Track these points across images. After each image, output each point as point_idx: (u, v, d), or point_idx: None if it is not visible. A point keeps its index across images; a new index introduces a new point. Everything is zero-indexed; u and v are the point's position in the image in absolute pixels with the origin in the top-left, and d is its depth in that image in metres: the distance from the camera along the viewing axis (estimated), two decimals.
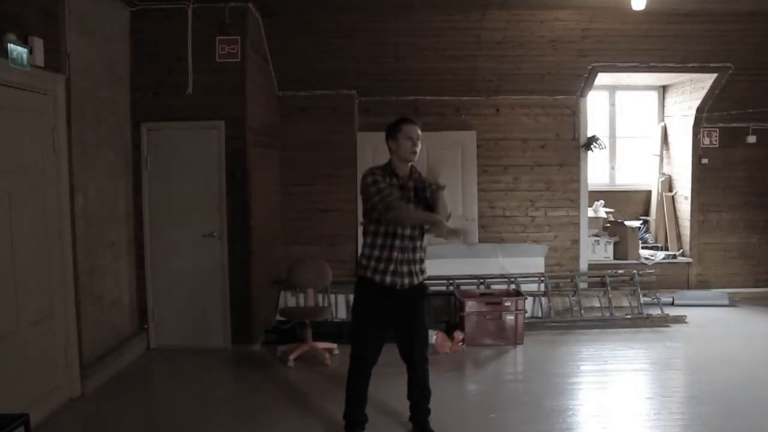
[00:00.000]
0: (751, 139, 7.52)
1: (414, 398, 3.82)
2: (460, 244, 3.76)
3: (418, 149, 3.64)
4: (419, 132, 3.65)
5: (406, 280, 3.63)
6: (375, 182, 3.55)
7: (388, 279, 3.59)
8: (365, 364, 3.70)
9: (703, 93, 7.29)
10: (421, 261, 3.71)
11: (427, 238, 3.76)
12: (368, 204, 3.60)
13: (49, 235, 4.26)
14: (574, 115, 7.33)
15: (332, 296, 6.42)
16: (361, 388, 3.74)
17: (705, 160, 7.61)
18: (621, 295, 6.89)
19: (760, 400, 4.36)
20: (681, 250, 7.84)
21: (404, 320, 3.70)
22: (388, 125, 3.72)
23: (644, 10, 5.58)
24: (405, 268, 3.62)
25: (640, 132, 8.44)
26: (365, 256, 3.66)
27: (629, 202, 8.39)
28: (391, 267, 3.59)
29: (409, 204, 3.62)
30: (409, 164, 3.69)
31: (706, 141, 7.60)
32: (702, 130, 7.57)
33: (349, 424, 3.77)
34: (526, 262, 6.82)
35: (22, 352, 3.90)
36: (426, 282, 3.80)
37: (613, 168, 8.38)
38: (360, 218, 3.90)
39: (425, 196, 3.69)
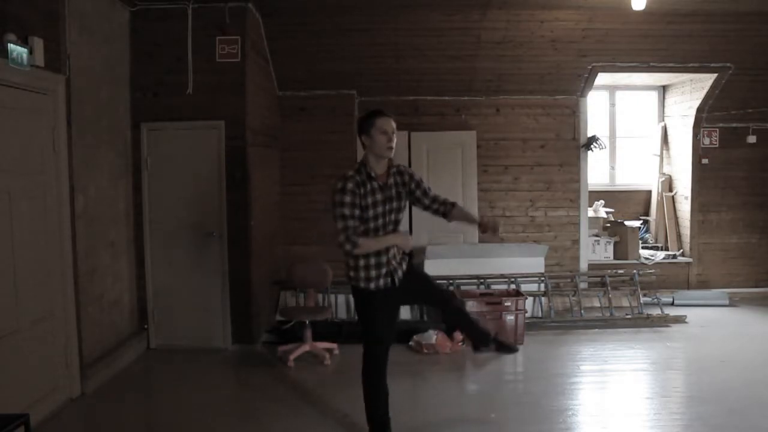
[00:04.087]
0: (751, 139, 7.52)
1: (460, 321, 3.90)
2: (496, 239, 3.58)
3: (394, 144, 3.45)
4: (394, 125, 3.47)
5: (400, 272, 3.58)
6: (342, 203, 3.38)
7: (381, 282, 3.52)
8: (385, 360, 3.62)
9: (703, 93, 7.29)
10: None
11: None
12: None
13: (49, 235, 4.26)
14: (574, 115, 7.33)
15: (332, 296, 6.42)
16: (385, 386, 3.65)
17: (705, 161, 7.61)
18: (621, 295, 6.89)
19: (760, 400, 4.36)
20: (681, 250, 7.84)
21: (414, 293, 3.72)
22: (360, 119, 3.56)
23: (644, 10, 5.59)
24: (395, 262, 3.56)
25: (640, 132, 8.44)
26: (352, 267, 3.52)
27: (629, 202, 8.39)
28: (383, 270, 3.51)
29: (392, 203, 3.52)
30: (386, 160, 3.53)
31: (706, 141, 7.60)
32: (702, 130, 7.57)
33: (381, 425, 3.66)
34: (527, 262, 6.81)
35: (22, 352, 3.90)
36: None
37: (613, 168, 8.37)
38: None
39: (409, 189, 3.58)
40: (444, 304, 3.88)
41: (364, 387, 3.66)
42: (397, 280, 3.56)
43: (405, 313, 6.09)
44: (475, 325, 3.89)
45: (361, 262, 3.49)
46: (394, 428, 3.68)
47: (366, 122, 3.49)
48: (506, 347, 3.91)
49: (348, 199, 3.39)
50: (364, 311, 3.60)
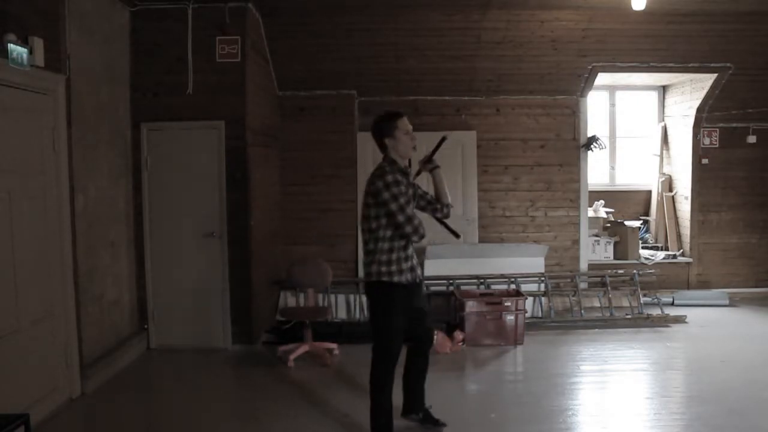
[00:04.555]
0: (751, 139, 7.52)
1: (419, 372, 3.87)
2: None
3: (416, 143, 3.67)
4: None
5: (419, 271, 3.73)
6: (400, 194, 3.46)
7: (408, 276, 3.61)
8: (396, 364, 3.67)
9: (703, 93, 7.29)
10: None
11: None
12: (383, 210, 3.50)
13: (49, 235, 4.26)
14: (574, 115, 7.33)
15: (332, 296, 6.43)
16: (391, 390, 3.68)
17: (705, 161, 7.61)
18: (621, 295, 6.89)
19: (760, 400, 4.36)
20: (681, 250, 7.84)
21: (415, 305, 3.76)
22: (379, 123, 3.63)
23: (644, 10, 5.58)
24: (415, 260, 3.70)
25: (640, 132, 8.45)
26: (383, 262, 3.54)
27: (629, 202, 8.39)
28: (409, 264, 3.62)
29: (414, 201, 3.71)
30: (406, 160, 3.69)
31: (706, 141, 7.60)
32: (702, 130, 7.57)
33: (386, 428, 3.67)
34: (527, 262, 6.81)
35: (22, 352, 3.90)
36: None
37: (613, 168, 8.37)
38: (367, 222, 3.65)
39: (416, 191, 3.81)
40: (419, 347, 3.86)
41: (373, 390, 3.65)
42: (417, 278, 3.69)
43: None
44: (421, 391, 3.91)
45: (394, 256, 3.56)
46: (395, 428, 3.68)
47: (388, 124, 3.59)
48: (433, 421, 3.90)
49: (403, 189, 3.51)
50: (386, 307, 3.59)
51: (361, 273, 6.94)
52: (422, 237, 3.55)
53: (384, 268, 3.55)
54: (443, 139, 3.84)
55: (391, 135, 3.59)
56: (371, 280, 3.60)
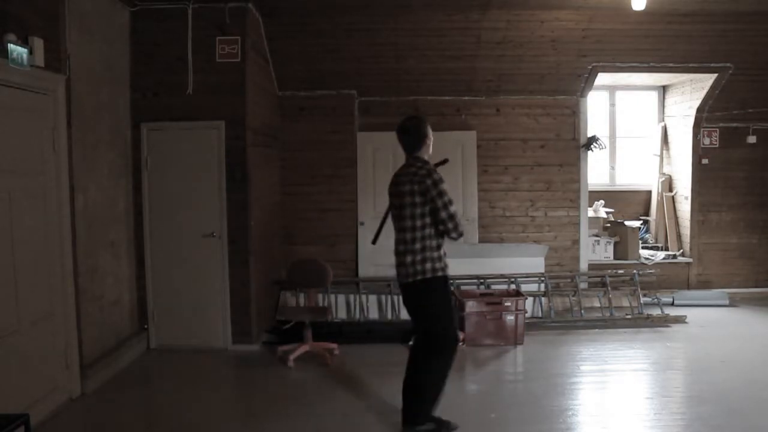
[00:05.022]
0: (751, 139, 7.52)
1: None
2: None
3: None
4: None
5: None
6: (445, 191, 3.63)
7: (449, 270, 3.82)
8: None
9: (703, 93, 7.29)
10: None
11: None
12: (428, 207, 3.63)
13: (49, 235, 4.26)
14: (574, 115, 7.33)
15: (332, 296, 6.43)
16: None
17: (705, 161, 7.61)
18: (621, 295, 6.89)
19: (760, 400, 4.36)
20: (681, 250, 7.84)
21: None
22: (420, 124, 3.79)
23: (644, 10, 5.58)
24: None
25: (640, 132, 8.45)
26: (435, 258, 3.71)
27: (629, 202, 8.39)
28: (447, 258, 3.80)
29: None
30: None
31: (706, 141, 7.60)
32: (702, 130, 7.57)
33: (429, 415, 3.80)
34: (527, 262, 6.81)
35: (22, 352, 3.90)
36: None
37: (613, 168, 8.38)
38: (412, 221, 3.75)
39: None
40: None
41: (435, 378, 3.75)
42: None
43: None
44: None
45: (442, 252, 3.76)
46: (394, 429, 3.69)
47: (426, 127, 3.80)
48: (447, 425, 3.88)
49: (446, 187, 3.67)
50: (445, 298, 3.79)
51: (362, 272, 6.95)
52: (461, 235, 3.67)
53: (437, 264, 3.72)
54: (445, 161, 4.09)
55: (429, 136, 3.80)
56: (426, 277, 3.70)
